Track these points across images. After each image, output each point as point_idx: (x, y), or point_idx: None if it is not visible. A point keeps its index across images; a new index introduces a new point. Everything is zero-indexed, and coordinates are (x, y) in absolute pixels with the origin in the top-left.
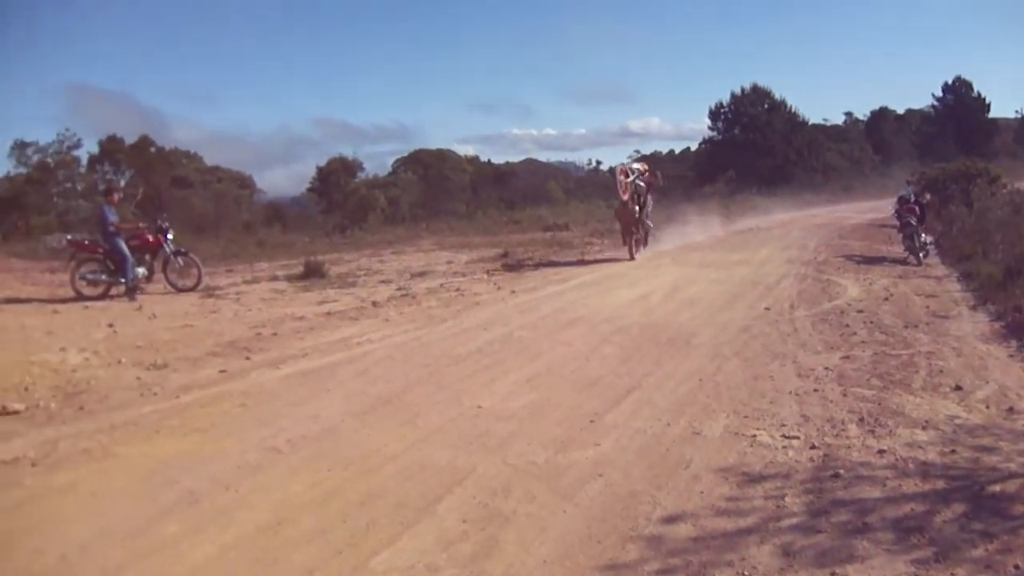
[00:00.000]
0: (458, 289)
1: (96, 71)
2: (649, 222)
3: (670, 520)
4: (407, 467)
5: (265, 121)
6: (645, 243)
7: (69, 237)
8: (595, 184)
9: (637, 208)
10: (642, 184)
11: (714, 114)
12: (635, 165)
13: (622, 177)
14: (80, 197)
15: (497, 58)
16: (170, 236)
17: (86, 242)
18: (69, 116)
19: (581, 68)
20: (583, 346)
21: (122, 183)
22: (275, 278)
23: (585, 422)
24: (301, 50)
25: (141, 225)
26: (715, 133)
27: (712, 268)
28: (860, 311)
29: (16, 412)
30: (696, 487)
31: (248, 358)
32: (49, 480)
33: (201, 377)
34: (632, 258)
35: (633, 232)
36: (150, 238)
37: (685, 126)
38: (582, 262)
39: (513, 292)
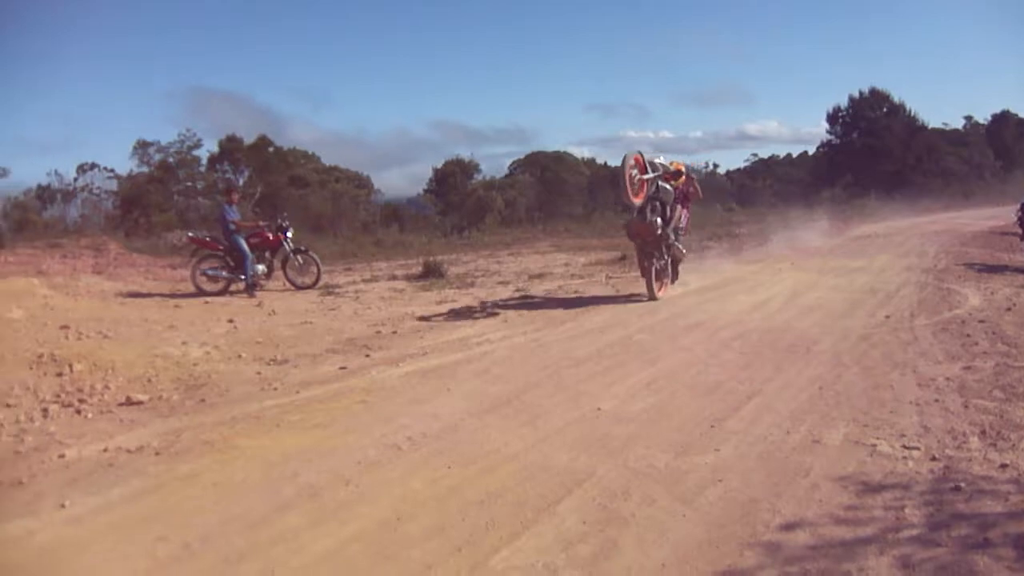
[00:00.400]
0: (576, 291)
1: (215, 73)
2: (680, 246)
3: (788, 527)
4: (527, 467)
5: (382, 122)
6: (673, 276)
7: (190, 234)
8: (712, 188)
9: (659, 221)
10: (669, 188)
11: (832, 118)
12: (660, 159)
13: (633, 171)
14: (200, 195)
15: (615, 60)
16: (290, 234)
17: (207, 239)
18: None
19: (698, 70)
20: (702, 351)
21: (241, 182)
22: (394, 277)
23: (705, 427)
24: (420, 52)
25: (261, 223)
26: (833, 137)
27: (831, 274)
28: (981, 321)
29: (140, 403)
30: (815, 495)
31: (368, 355)
32: (172, 469)
33: (321, 373)
34: (654, 296)
35: (655, 257)
36: (270, 236)
37: (803, 130)
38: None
39: (631, 295)
